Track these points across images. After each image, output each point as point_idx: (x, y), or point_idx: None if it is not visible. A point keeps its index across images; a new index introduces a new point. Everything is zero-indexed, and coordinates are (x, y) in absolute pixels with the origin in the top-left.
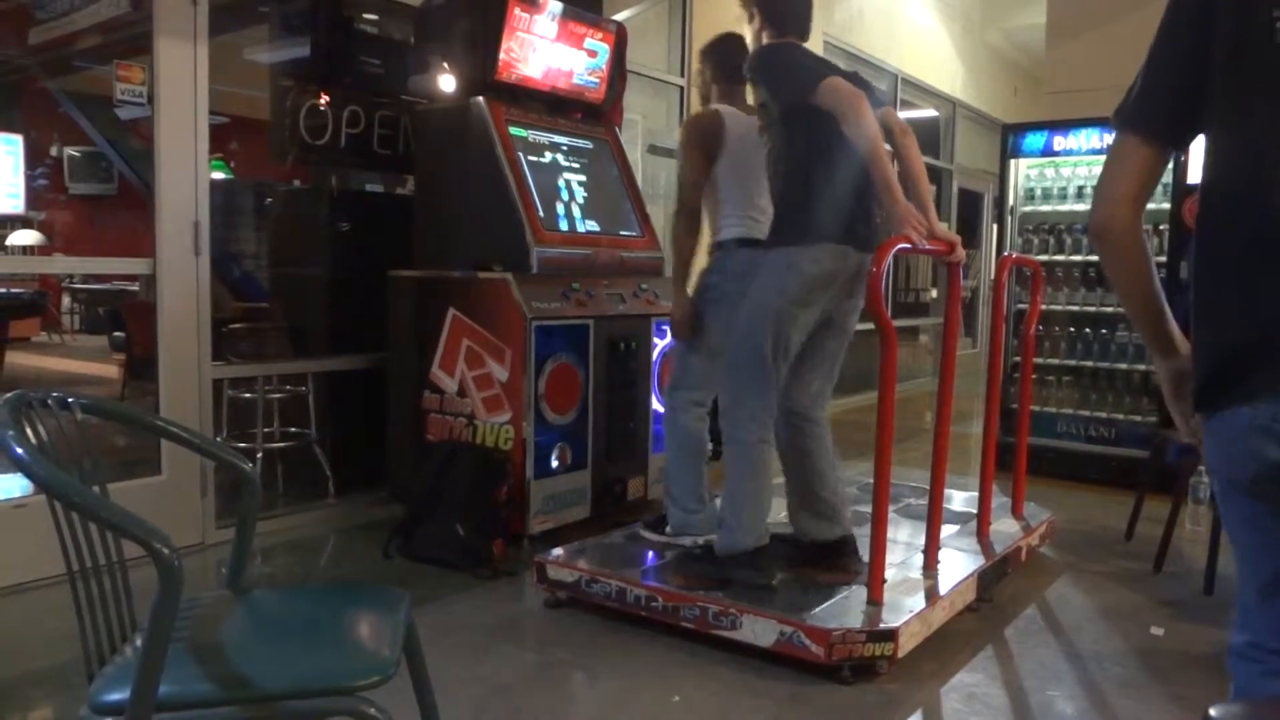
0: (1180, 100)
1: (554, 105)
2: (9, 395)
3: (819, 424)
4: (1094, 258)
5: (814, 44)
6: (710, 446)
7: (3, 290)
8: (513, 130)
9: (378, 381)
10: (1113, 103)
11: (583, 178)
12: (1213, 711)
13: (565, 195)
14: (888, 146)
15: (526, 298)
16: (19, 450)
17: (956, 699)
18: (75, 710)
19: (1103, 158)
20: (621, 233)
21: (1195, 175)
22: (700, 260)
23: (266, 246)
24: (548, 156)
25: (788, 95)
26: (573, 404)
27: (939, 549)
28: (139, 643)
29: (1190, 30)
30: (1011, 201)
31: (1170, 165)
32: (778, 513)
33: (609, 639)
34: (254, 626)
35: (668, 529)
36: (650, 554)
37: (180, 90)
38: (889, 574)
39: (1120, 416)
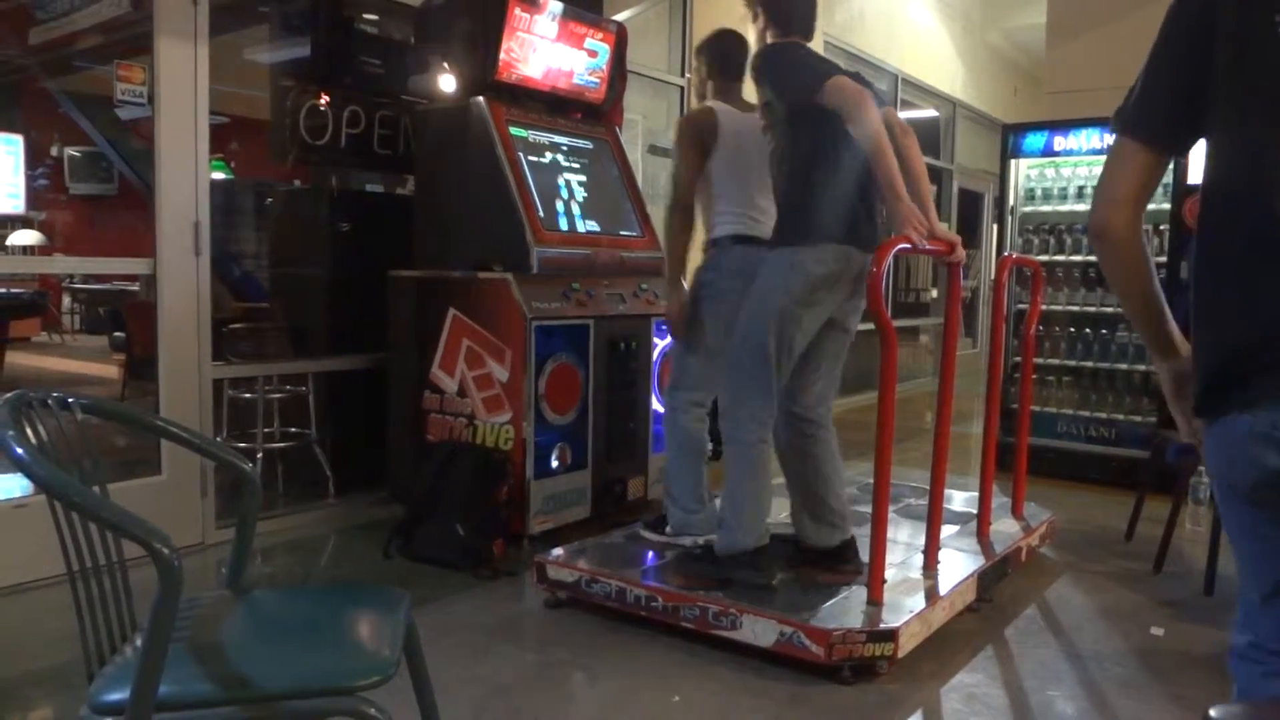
0: (1180, 105)
1: (554, 105)
2: (9, 395)
3: (822, 426)
4: (1094, 258)
5: (814, 44)
6: (710, 447)
7: (3, 290)
8: (513, 130)
9: (378, 381)
10: (1113, 103)
11: (583, 178)
12: (1213, 712)
13: (565, 195)
14: None
15: (527, 298)
16: (19, 450)
17: (956, 699)
18: (75, 710)
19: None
20: (621, 233)
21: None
22: (695, 258)
23: (267, 246)
24: (548, 156)
25: (793, 94)
26: (573, 404)
27: (939, 549)
28: (139, 643)
29: (1190, 34)
30: (1012, 202)
31: (1170, 165)
32: (778, 513)
33: (609, 639)
34: (254, 626)
35: (668, 529)
36: (650, 554)
37: (180, 90)
38: (889, 574)
39: (1120, 416)
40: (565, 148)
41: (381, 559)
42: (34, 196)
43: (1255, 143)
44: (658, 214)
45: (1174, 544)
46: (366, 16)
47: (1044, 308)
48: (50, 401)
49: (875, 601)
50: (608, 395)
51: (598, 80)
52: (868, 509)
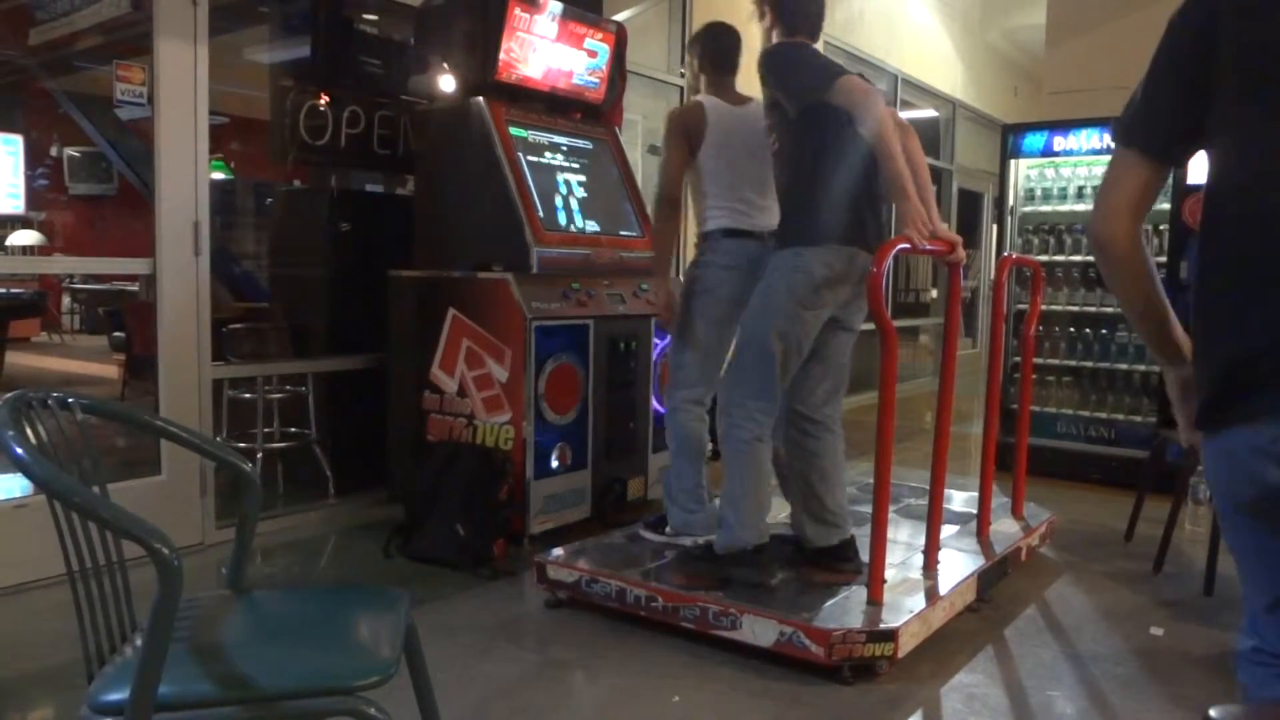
0: (1181, 116)
1: (554, 105)
2: (9, 395)
3: (827, 427)
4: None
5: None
6: (710, 446)
7: (3, 290)
8: (513, 130)
9: (378, 381)
10: (1113, 103)
11: (583, 178)
12: (1213, 712)
13: (565, 195)
14: None
15: (526, 298)
16: (19, 450)
17: (956, 699)
18: (75, 710)
19: (1103, 158)
20: (621, 233)
21: (1195, 176)
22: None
23: (266, 246)
24: (548, 156)
25: (801, 94)
26: (573, 404)
27: (939, 549)
28: (139, 643)
29: (1193, 45)
30: (1011, 202)
31: None
32: (778, 513)
33: (609, 639)
34: (254, 626)
35: (668, 529)
36: (650, 554)
37: (180, 90)
38: (889, 574)
39: (1120, 416)
40: (565, 148)
41: (381, 559)
42: (34, 196)
43: (1260, 150)
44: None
45: (1174, 544)
46: (366, 16)
47: (1044, 308)
48: (50, 401)
49: (875, 601)
50: (608, 395)
51: (597, 80)
52: (868, 509)
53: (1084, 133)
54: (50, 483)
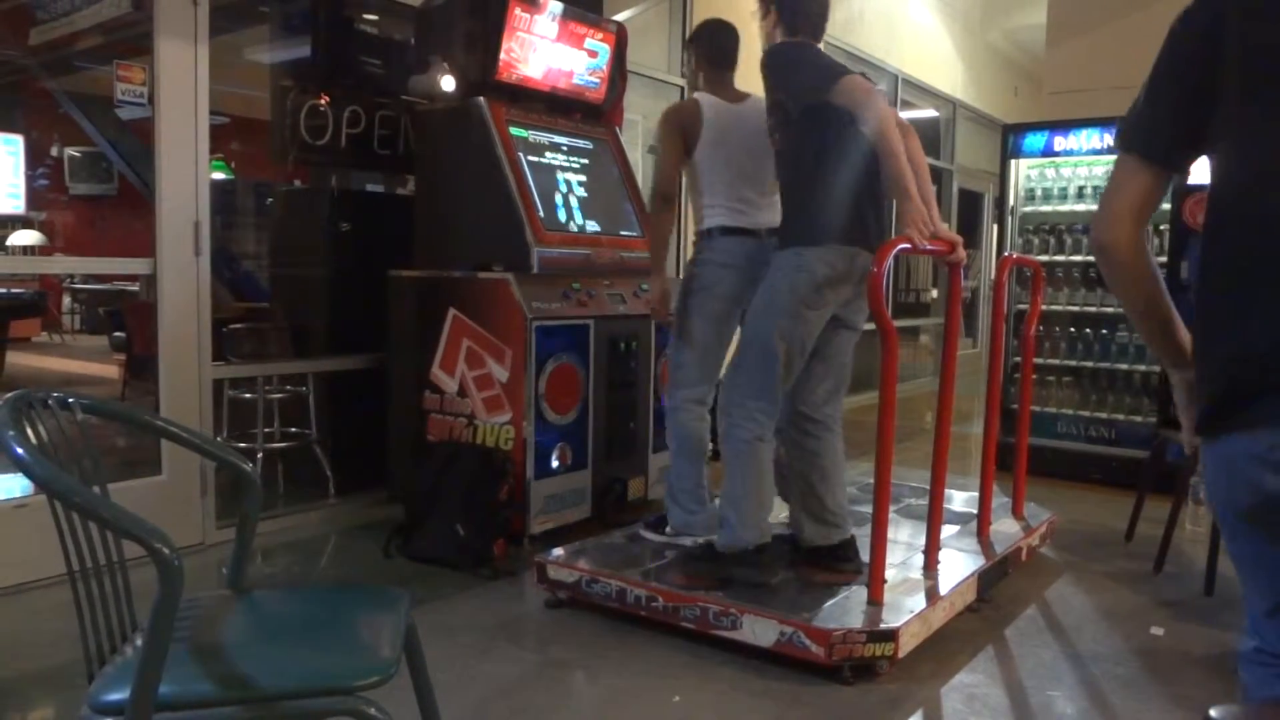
0: (1183, 122)
1: (554, 105)
2: (10, 395)
3: (827, 426)
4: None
5: None
6: (710, 446)
7: (3, 290)
8: (513, 130)
9: (378, 381)
10: (1113, 103)
11: (583, 178)
12: (1213, 712)
13: (565, 195)
14: None
15: (527, 298)
16: (19, 450)
17: (957, 699)
18: (75, 710)
19: (1103, 158)
20: (622, 233)
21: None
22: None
23: (267, 246)
24: (548, 156)
25: (803, 94)
26: (573, 404)
27: (939, 549)
28: (139, 642)
29: (1196, 51)
30: (1012, 202)
31: None
32: (778, 513)
33: (609, 639)
34: (254, 626)
35: (668, 529)
36: (651, 554)
37: (181, 90)
38: (889, 574)
39: (1120, 416)
40: (565, 148)
41: (381, 559)
42: (34, 197)
43: (1262, 151)
44: None
45: (1174, 544)
46: (366, 16)
47: (1044, 308)
48: (50, 401)
49: (875, 601)
50: (608, 395)
51: (598, 80)
52: (868, 509)
53: (1084, 133)
54: (51, 483)
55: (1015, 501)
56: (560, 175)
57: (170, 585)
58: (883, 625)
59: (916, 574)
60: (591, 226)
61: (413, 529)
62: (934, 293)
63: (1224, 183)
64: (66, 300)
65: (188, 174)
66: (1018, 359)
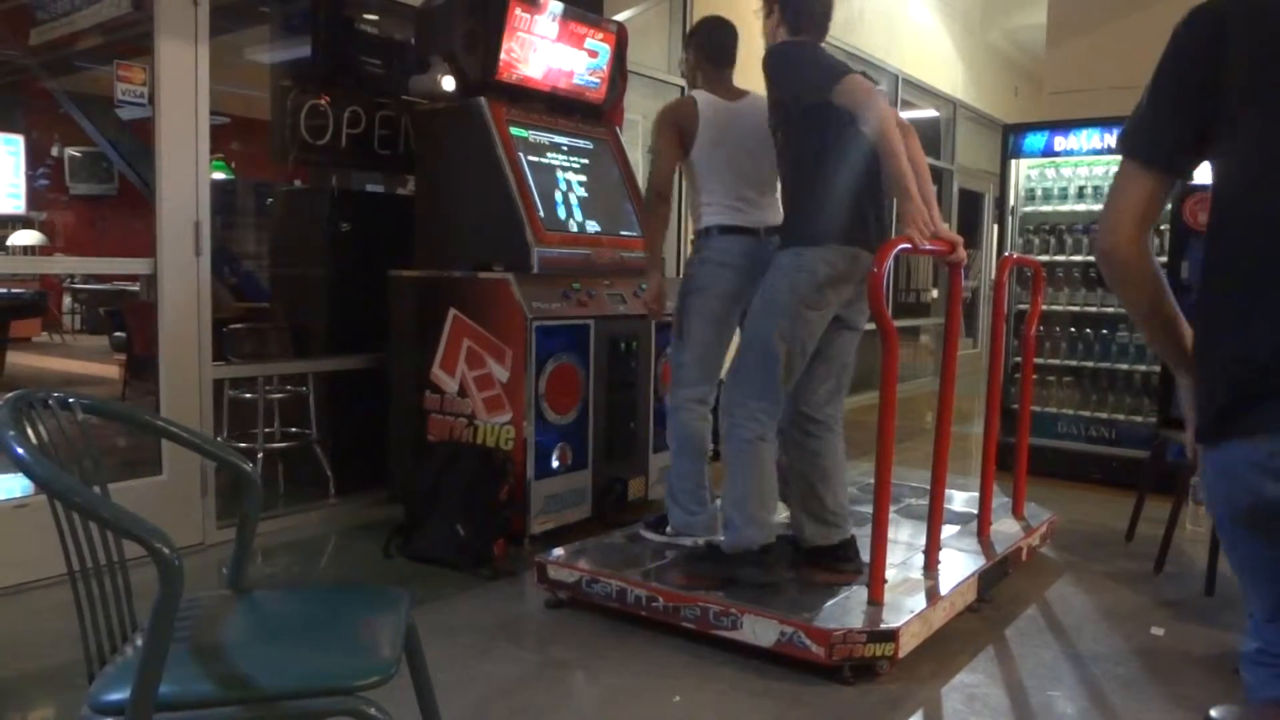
0: (1187, 127)
1: (554, 105)
2: (10, 395)
3: (828, 426)
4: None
5: None
6: (711, 447)
7: (4, 290)
8: (513, 130)
9: (378, 381)
10: (1113, 103)
11: (583, 178)
12: (1213, 712)
13: (566, 195)
14: None
15: (527, 298)
16: (20, 450)
17: (957, 699)
18: (75, 710)
19: (1103, 158)
20: (622, 233)
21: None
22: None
23: (267, 246)
24: (548, 156)
25: (804, 94)
26: (573, 404)
27: (939, 549)
28: (139, 643)
29: (1199, 55)
30: (1012, 202)
31: None
32: (779, 512)
33: (610, 639)
34: (254, 626)
35: (668, 529)
36: (651, 554)
37: (181, 90)
38: (889, 574)
39: (1121, 416)
40: (565, 148)
41: (381, 559)
42: (34, 197)
43: (1268, 155)
44: None
45: (1174, 544)
46: (366, 16)
47: (1044, 308)
48: (51, 401)
49: (876, 601)
50: (608, 395)
51: (598, 80)
52: (868, 509)
53: (1085, 133)
54: (51, 482)
55: (1015, 501)
56: (560, 175)
57: (170, 585)
58: (883, 625)
59: (917, 574)
60: (591, 226)
61: (413, 529)
62: (934, 293)
63: (1226, 183)
64: (67, 300)
65: (188, 174)
66: (1018, 359)
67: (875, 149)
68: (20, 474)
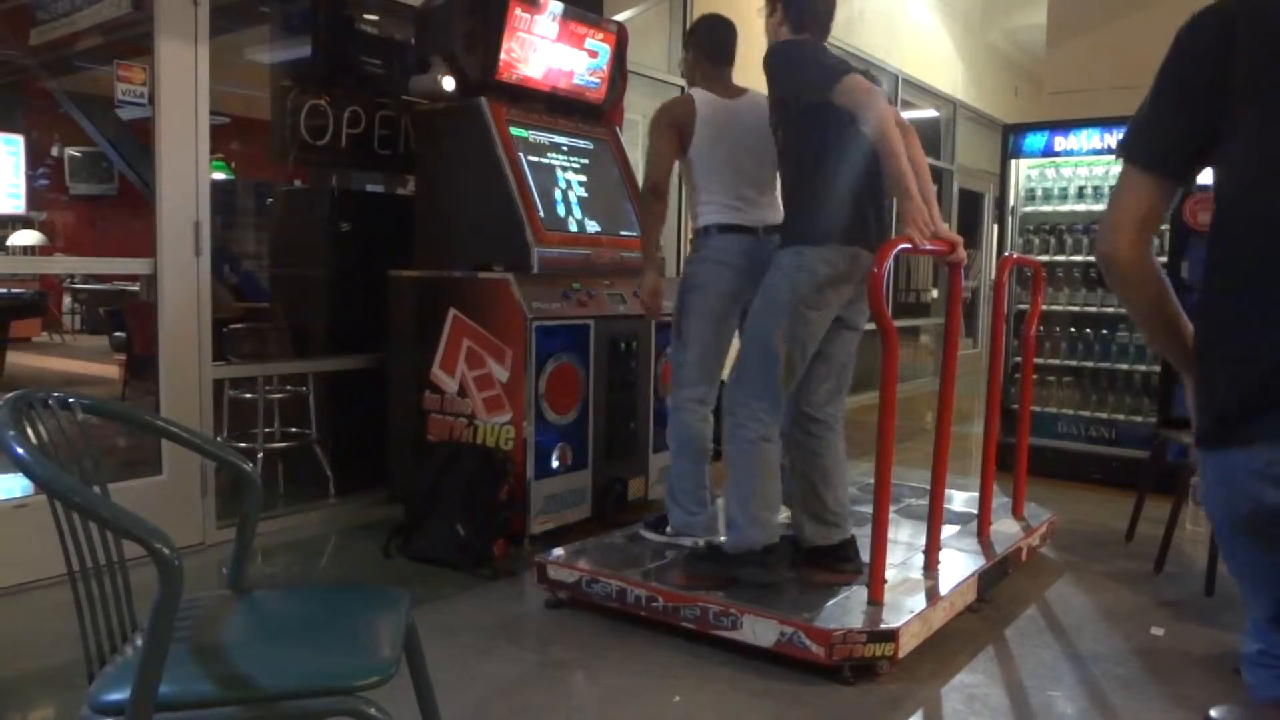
0: (1189, 134)
1: (554, 105)
2: (10, 395)
3: (829, 426)
4: (1094, 258)
5: None
6: (712, 447)
7: (4, 290)
8: (513, 130)
9: (378, 381)
10: (1113, 103)
11: (583, 178)
12: (1213, 712)
13: (566, 195)
14: None
15: (527, 298)
16: (20, 450)
17: (957, 699)
18: (76, 710)
19: (1103, 158)
20: (622, 233)
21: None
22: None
23: (267, 246)
24: (548, 156)
25: (804, 93)
26: (573, 404)
27: (939, 549)
28: (139, 643)
29: (1205, 57)
30: (1012, 202)
31: None
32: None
33: (610, 639)
34: (254, 626)
35: (668, 529)
36: (651, 554)
37: (181, 90)
38: (889, 574)
39: (1121, 417)
40: (565, 148)
41: (381, 559)
42: (34, 197)
43: (1270, 158)
44: None
45: (1174, 544)
46: (366, 16)
47: (1044, 308)
48: (51, 401)
49: (876, 601)
50: (608, 395)
51: (598, 80)
52: (868, 509)
53: (1085, 133)
54: (51, 482)
55: (1015, 501)
56: (560, 175)
57: (170, 585)
58: (883, 625)
59: (917, 574)
60: (591, 226)
61: (413, 529)
62: (934, 293)
63: (1227, 183)
64: (67, 300)
65: (188, 174)
66: (1018, 359)
67: (875, 149)
68: (20, 474)
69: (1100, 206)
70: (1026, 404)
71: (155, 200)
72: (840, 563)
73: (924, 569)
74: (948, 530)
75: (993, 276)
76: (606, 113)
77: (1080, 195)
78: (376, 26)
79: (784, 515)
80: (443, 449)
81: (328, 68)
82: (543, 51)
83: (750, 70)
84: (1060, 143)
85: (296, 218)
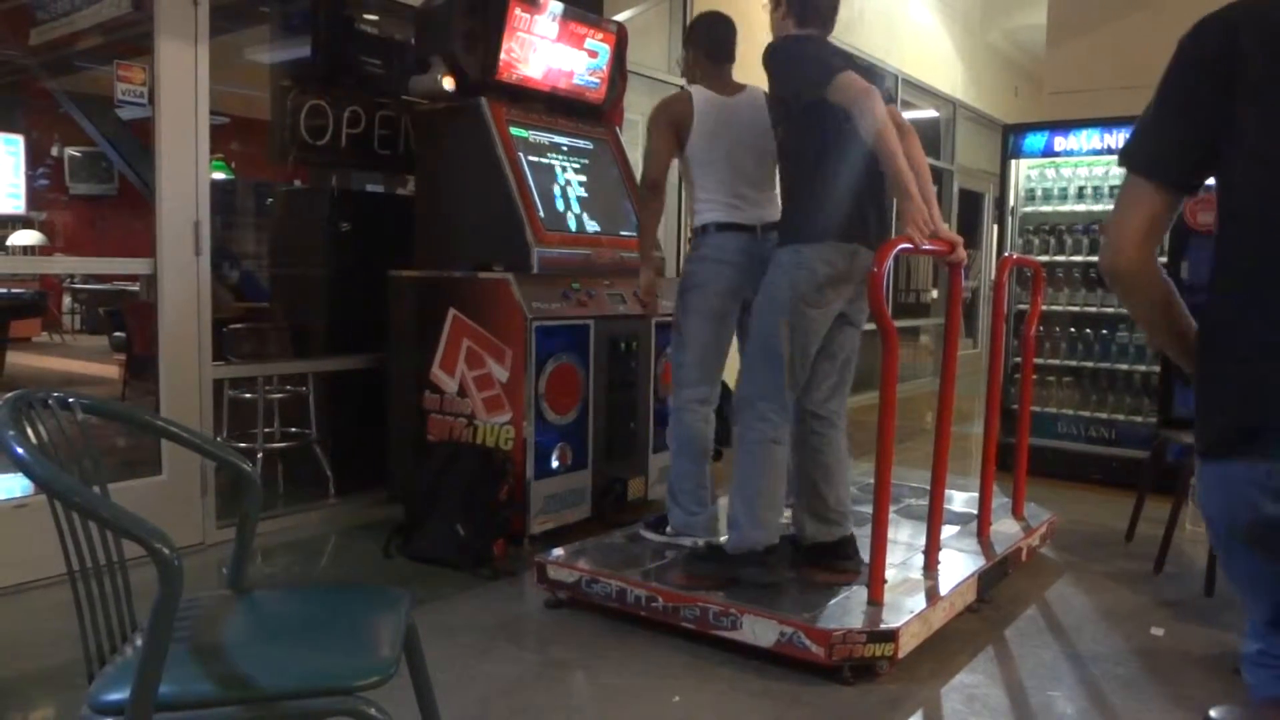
0: (1194, 143)
1: (554, 105)
2: (10, 395)
3: (831, 423)
4: (1094, 258)
5: None
6: (713, 448)
7: (4, 290)
8: (513, 130)
9: (378, 381)
10: (1113, 103)
11: (583, 178)
12: (1213, 712)
13: (565, 195)
14: None
15: (527, 298)
16: (20, 450)
17: (957, 699)
18: (75, 710)
19: (1104, 158)
20: (622, 233)
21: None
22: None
23: (267, 246)
24: (548, 157)
25: (803, 90)
26: (573, 404)
27: (939, 549)
28: (139, 643)
29: (1210, 61)
30: (1012, 202)
31: None
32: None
33: (609, 639)
34: (254, 626)
35: (668, 529)
36: (650, 554)
37: (181, 90)
38: (889, 574)
39: (1120, 417)
40: (565, 148)
41: (381, 559)
42: (34, 196)
43: (1271, 158)
44: None
45: (1175, 544)
46: (366, 16)
47: (1044, 308)
48: (51, 401)
49: (875, 602)
50: (608, 395)
51: (598, 80)
52: (868, 509)
53: (1085, 133)
54: (51, 482)
55: (1015, 502)
56: (560, 175)
57: (170, 585)
58: (883, 625)
59: (916, 574)
60: (591, 226)
61: (413, 529)
62: (934, 293)
63: (1228, 184)
64: (67, 300)
65: (188, 174)
66: (1018, 359)
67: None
68: (20, 474)
69: (1100, 207)
70: (1026, 404)
71: (155, 200)
72: (840, 560)
73: (924, 569)
74: (948, 530)
75: (993, 276)
76: (606, 113)
77: (1080, 195)
78: (376, 26)
79: (784, 515)
80: (443, 449)
81: (328, 68)
82: (543, 51)
83: (751, 68)
84: (1060, 143)
85: (296, 218)
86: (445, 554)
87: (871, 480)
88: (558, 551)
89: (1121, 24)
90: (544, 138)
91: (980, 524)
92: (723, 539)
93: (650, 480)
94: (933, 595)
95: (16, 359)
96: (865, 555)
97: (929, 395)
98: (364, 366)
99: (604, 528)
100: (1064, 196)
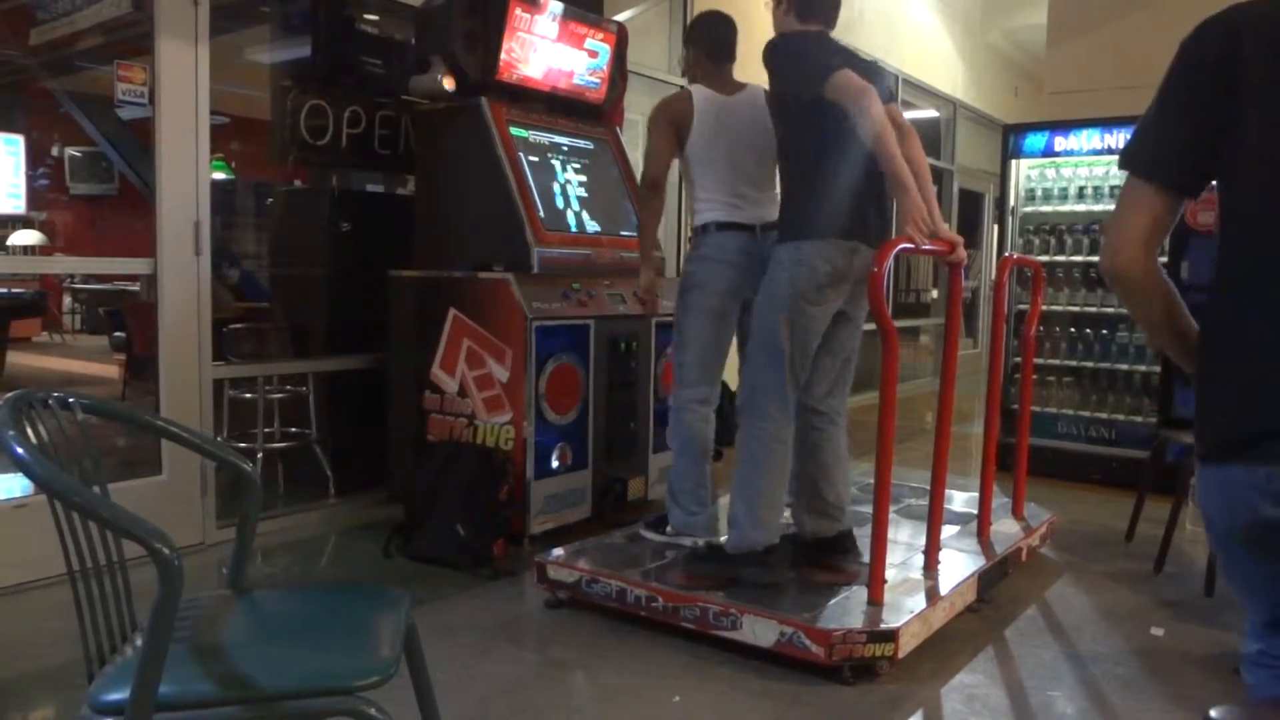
0: (1196, 145)
1: (554, 105)
2: (10, 395)
3: (831, 419)
4: (1095, 258)
5: None
6: (713, 447)
7: (4, 290)
8: (513, 130)
9: (378, 381)
10: (1113, 103)
11: (583, 178)
12: (1213, 712)
13: (566, 195)
14: None
15: (527, 298)
16: (20, 450)
17: (957, 699)
18: (76, 710)
19: (1104, 158)
20: (622, 233)
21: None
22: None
23: (267, 246)
24: (548, 157)
25: (802, 88)
26: (573, 404)
27: (939, 549)
28: (139, 642)
29: (1214, 65)
30: (1012, 202)
31: None
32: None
33: (609, 639)
34: (254, 626)
35: (668, 529)
36: (651, 554)
37: (181, 90)
38: (889, 574)
39: (1120, 417)
40: (565, 148)
41: (381, 559)
42: (34, 196)
43: (1271, 159)
44: None
45: (1175, 544)
46: (366, 16)
47: (1044, 308)
48: (51, 401)
49: (875, 602)
50: (608, 395)
51: (598, 80)
52: (868, 509)
53: (1085, 133)
54: (51, 482)
55: (1015, 502)
56: (560, 175)
57: (170, 585)
58: (883, 625)
59: (916, 574)
60: (591, 226)
61: (413, 529)
62: (934, 293)
63: (1231, 186)
64: (67, 300)
65: (188, 174)
66: (1018, 359)
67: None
68: (20, 474)
69: (1100, 207)
70: (1026, 404)
71: (155, 200)
72: (838, 555)
73: (924, 569)
74: (948, 530)
75: (993, 276)
76: (606, 113)
77: (1080, 195)
78: (376, 26)
79: (784, 515)
80: (443, 449)
81: (328, 68)
82: (543, 51)
83: (752, 66)
84: (1060, 143)
85: (296, 218)
86: (445, 554)
87: (871, 480)
88: (558, 551)
89: (1121, 24)
90: (544, 138)
91: (980, 524)
92: (723, 539)
93: (650, 480)
94: (933, 595)
95: (16, 359)
96: (865, 555)
97: (929, 395)
98: (364, 366)
99: (604, 528)
100: (1064, 196)
